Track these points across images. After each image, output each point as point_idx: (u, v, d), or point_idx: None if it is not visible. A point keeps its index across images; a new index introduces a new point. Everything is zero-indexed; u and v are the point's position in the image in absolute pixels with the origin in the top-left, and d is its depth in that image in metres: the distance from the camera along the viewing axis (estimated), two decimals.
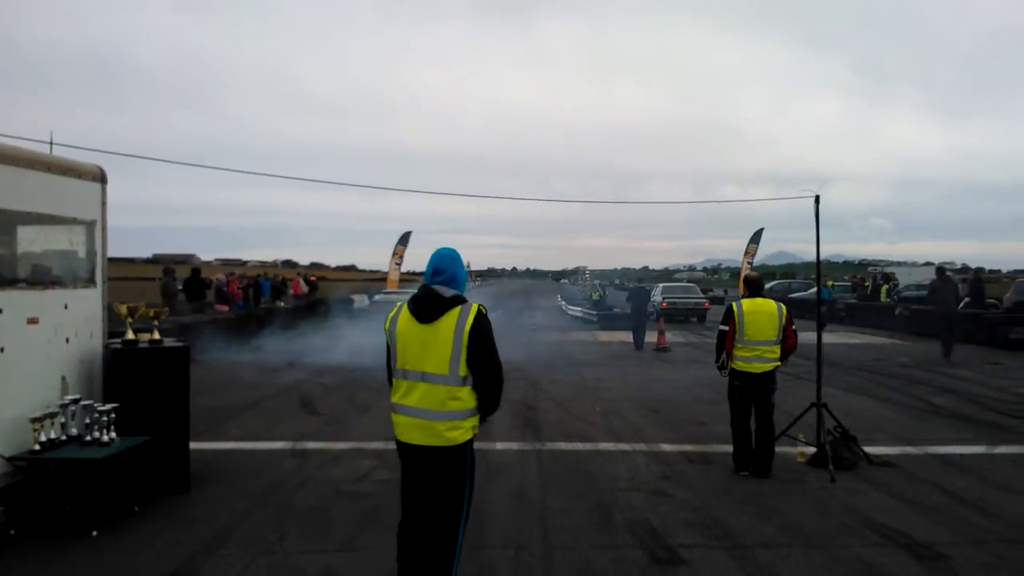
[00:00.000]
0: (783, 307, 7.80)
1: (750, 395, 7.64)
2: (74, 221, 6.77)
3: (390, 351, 4.21)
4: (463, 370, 4.05)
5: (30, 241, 6.50)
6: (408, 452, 4.17)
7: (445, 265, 4.24)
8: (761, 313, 7.66)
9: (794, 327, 7.78)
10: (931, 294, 20.71)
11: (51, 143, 7.01)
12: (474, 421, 4.16)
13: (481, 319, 4.09)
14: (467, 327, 4.04)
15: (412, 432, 4.11)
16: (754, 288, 7.98)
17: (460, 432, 4.07)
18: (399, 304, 4.30)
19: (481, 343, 4.06)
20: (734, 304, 7.83)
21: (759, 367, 7.60)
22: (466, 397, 4.09)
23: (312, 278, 40.85)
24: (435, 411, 4.05)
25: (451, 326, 4.05)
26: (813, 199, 8.41)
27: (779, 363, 7.71)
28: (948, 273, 21.11)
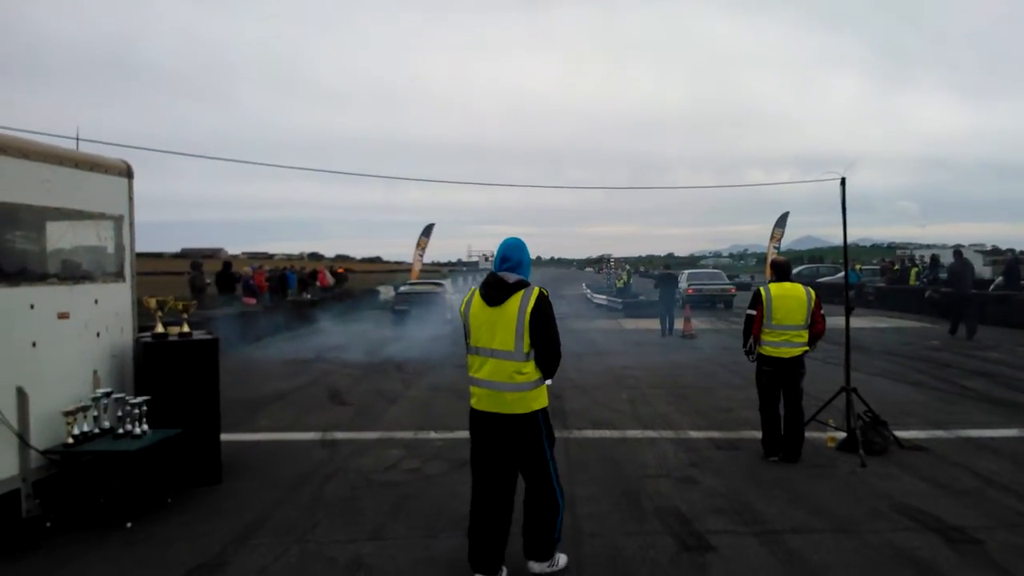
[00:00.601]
0: (812, 291, 7.72)
1: (778, 380, 7.58)
2: (102, 216, 6.84)
3: (466, 331, 4.78)
4: (527, 347, 4.57)
5: (59, 237, 6.57)
6: (482, 420, 4.71)
7: (511, 254, 4.78)
8: (789, 297, 7.60)
9: (823, 312, 7.71)
10: (949, 276, 20.90)
11: (77, 139, 7.09)
12: (541, 391, 4.68)
13: (542, 300, 4.63)
14: (529, 308, 4.56)
15: (485, 402, 4.68)
16: (782, 272, 7.90)
17: (528, 402, 4.62)
18: (472, 290, 4.87)
19: (542, 321, 4.58)
20: (762, 288, 7.77)
21: (787, 352, 7.54)
22: (530, 371, 4.61)
23: (340, 269, 41.19)
24: (504, 383, 4.60)
25: (515, 308, 4.58)
26: (839, 181, 8.31)
27: (807, 348, 7.64)
28: (964, 255, 21.43)
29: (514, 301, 4.59)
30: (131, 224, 7.12)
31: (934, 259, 28.37)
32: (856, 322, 8.77)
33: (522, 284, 4.66)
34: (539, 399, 4.68)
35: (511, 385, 4.59)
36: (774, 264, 8.24)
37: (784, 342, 7.54)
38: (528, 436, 4.67)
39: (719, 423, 9.18)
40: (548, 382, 4.76)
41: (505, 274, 4.70)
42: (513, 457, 4.71)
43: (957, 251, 22.82)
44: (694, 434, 8.63)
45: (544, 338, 4.59)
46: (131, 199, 7.12)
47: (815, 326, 7.62)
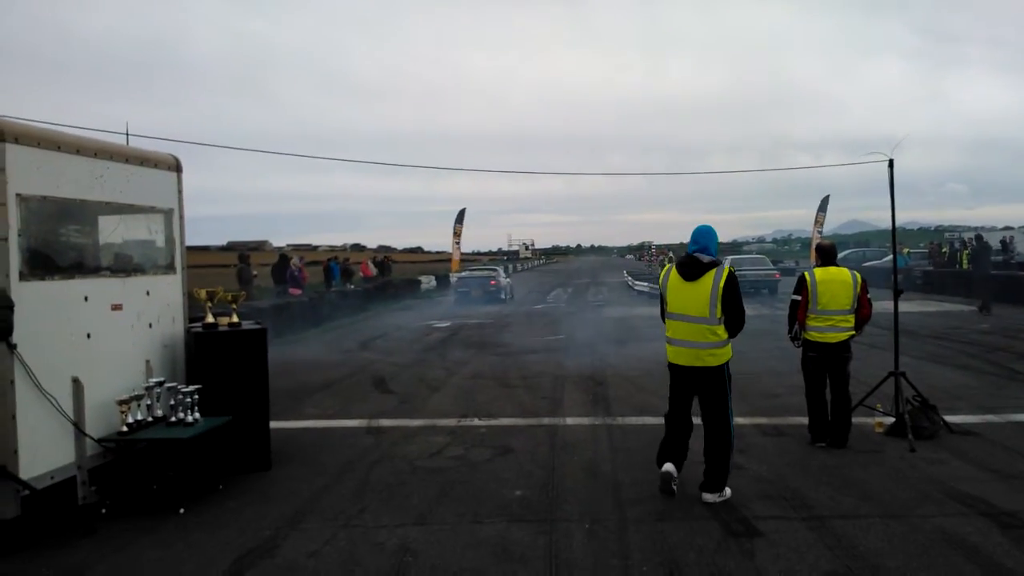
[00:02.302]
0: (857, 275, 7.62)
1: (824, 365, 7.51)
2: (152, 210, 6.98)
3: (663, 300, 6.11)
4: (719, 313, 5.79)
5: (112, 230, 6.72)
6: (679, 371, 6.03)
7: (701, 239, 5.94)
8: (834, 282, 7.50)
9: (869, 296, 7.60)
10: (973, 258, 23.52)
11: (127, 134, 7.23)
12: (728, 348, 5.91)
13: (731, 276, 5.84)
14: (722, 283, 5.78)
15: (682, 357, 5.96)
16: (827, 256, 7.80)
17: (718, 357, 5.88)
18: (667, 266, 6.26)
19: (731, 293, 5.79)
20: (806, 273, 7.68)
21: (833, 337, 7.45)
22: (720, 332, 5.84)
23: (386, 258, 41.62)
24: (700, 342, 5.86)
25: (709, 282, 5.79)
26: (887, 163, 8.17)
27: (854, 332, 7.54)
28: (984, 238, 24.85)
29: (708, 277, 5.80)
30: (181, 217, 7.26)
31: (979, 238, 28.11)
32: (904, 306, 8.63)
33: (714, 264, 5.86)
34: (727, 354, 5.93)
35: (706, 343, 5.83)
36: (819, 248, 8.14)
37: (830, 327, 7.45)
38: (717, 383, 5.92)
39: (765, 409, 9.11)
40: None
41: (699, 255, 5.88)
42: (702, 399, 5.99)
43: (978, 235, 26.23)
44: (740, 420, 8.50)
45: (732, 306, 5.82)
46: (180, 193, 7.26)
47: (861, 310, 7.52)
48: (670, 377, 6.18)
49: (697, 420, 6.20)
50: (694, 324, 5.86)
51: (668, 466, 6.04)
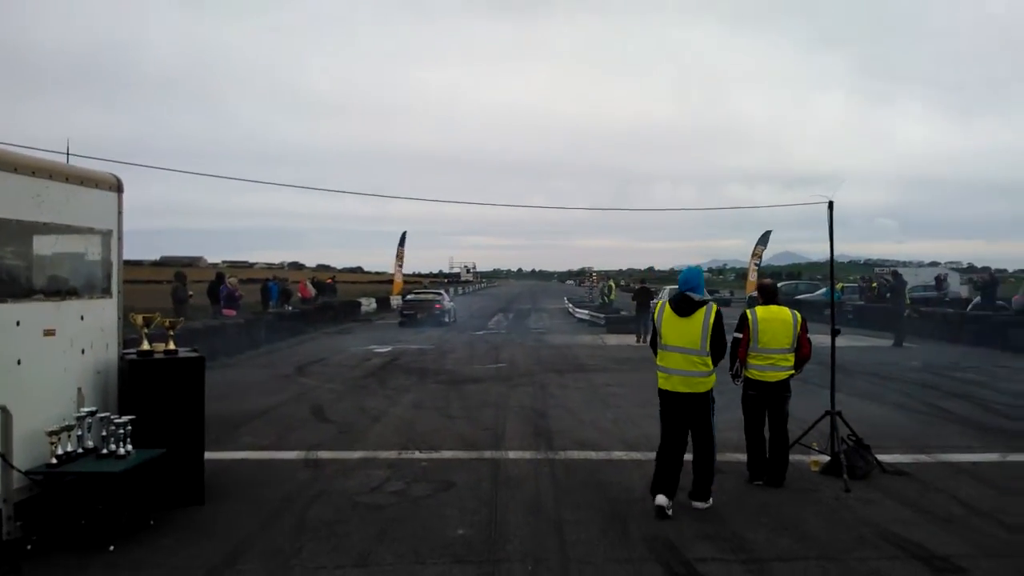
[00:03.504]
0: (798, 315, 7.77)
1: (764, 404, 7.62)
2: (90, 231, 6.77)
3: (655, 332, 6.77)
4: (708, 347, 6.52)
5: (47, 252, 6.49)
6: (672, 397, 6.65)
7: (691, 280, 6.75)
8: (775, 321, 7.63)
9: (809, 335, 7.75)
10: (889, 292, 25.67)
11: (68, 153, 7.02)
12: (713, 376, 6.63)
13: (719, 314, 6.62)
14: (711, 320, 6.56)
15: (676, 384, 6.59)
16: (768, 295, 7.94)
17: (706, 384, 6.59)
18: (660, 302, 7.05)
19: (718, 328, 6.57)
20: (748, 312, 7.80)
21: (773, 375, 7.57)
22: (708, 362, 6.56)
23: (329, 280, 41.38)
24: (691, 371, 6.55)
25: (701, 318, 6.56)
26: (827, 205, 8.37)
27: (793, 371, 7.67)
28: (900, 275, 26.06)
29: (700, 313, 6.58)
30: (120, 239, 7.06)
31: (895, 274, 29.50)
32: (837, 340, 8.82)
33: (704, 302, 6.67)
34: (712, 381, 6.64)
35: (696, 372, 6.53)
36: (761, 287, 8.28)
37: (770, 366, 7.57)
38: (704, 407, 6.62)
39: None
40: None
41: (690, 293, 6.66)
42: (691, 420, 6.62)
43: (895, 272, 27.59)
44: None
45: (718, 339, 6.56)
46: (120, 213, 7.06)
47: (801, 350, 7.65)
48: (661, 404, 6.77)
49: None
50: (687, 355, 6.55)
51: (661, 499, 6.49)
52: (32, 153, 6.36)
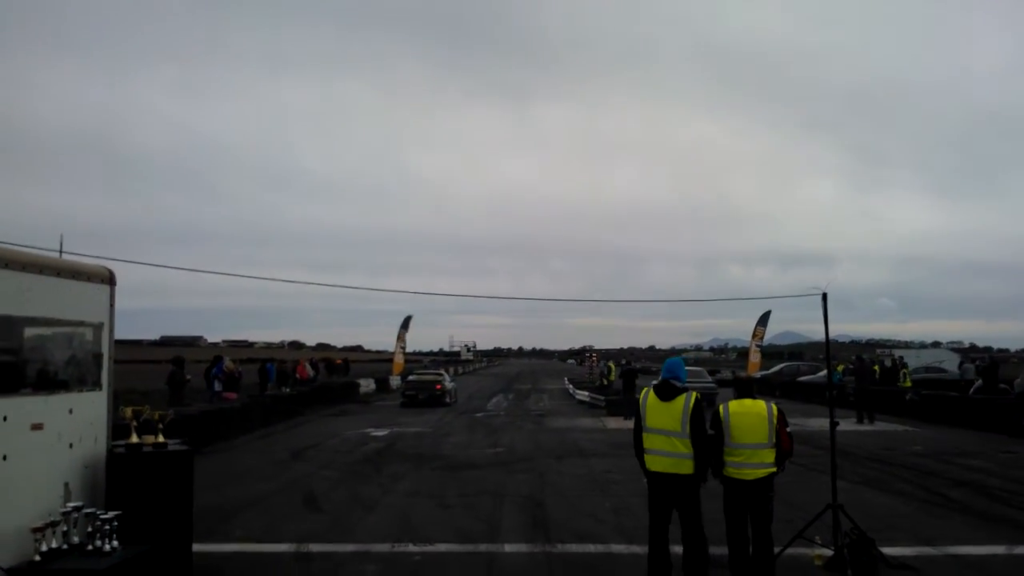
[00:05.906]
0: (774, 407, 7.32)
1: (744, 504, 7.13)
2: (81, 324, 6.77)
3: (639, 417, 7.05)
4: (688, 430, 6.75)
5: (37, 346, 6.48)
6: (658, 478, 6.89)
7: (673, 370, 7.05)
8: (748, 415, 7.18)
9: (789, 429, 7.34)
10: (853, 373, 26.60)
11: (60, 251, 7.03)
12: (693, 461, 6.79)
13: (699, 401, 6.93)
14: (691, 405, 6.84)
15: (660, 464, 6.85)
16: (742, 389, 7.57)
17: (689, 465, 6.78)
18: (645, 389, 7.24)
19: (698, 414, 6.84)
20: (720, 406, 7.42)
21: (751, 473, 7.06)
22: (688, 444, 6.76)
23: (339, 361, 41.96)
24: (674, 452, 6.79)
25: (681, 404, 6.85)
26: (820, 296, 8.40)
27: (774, 469, 7.17)
28: (865, 357, 28.84)
29: (680, 399, 6.87)
30: (111, 331, 7.05)
31: (859, 359, 30.38)
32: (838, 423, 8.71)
33: (685, 389, 6.98)
34: (694, 463, 6.80)
35: (678, 454, 6.77)
36: (734, 381, 7.99)
37: (744, 462, 7.08)
38: (691, 493, 6.83)
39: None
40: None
41: (673, 380, 6.97)
42: (677, 502, 6.84)
43: (859, 356, 29.86)
44: (678, 549, 8.40)
45: (697, 424, 6.83)
46: (112, 306, 7.07)
47: (781, 445, 7.16)
48: (649, 487, 7.02)
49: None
50: (668, 437, 6.82)
51: None
52: (25, 249, 6.39)
